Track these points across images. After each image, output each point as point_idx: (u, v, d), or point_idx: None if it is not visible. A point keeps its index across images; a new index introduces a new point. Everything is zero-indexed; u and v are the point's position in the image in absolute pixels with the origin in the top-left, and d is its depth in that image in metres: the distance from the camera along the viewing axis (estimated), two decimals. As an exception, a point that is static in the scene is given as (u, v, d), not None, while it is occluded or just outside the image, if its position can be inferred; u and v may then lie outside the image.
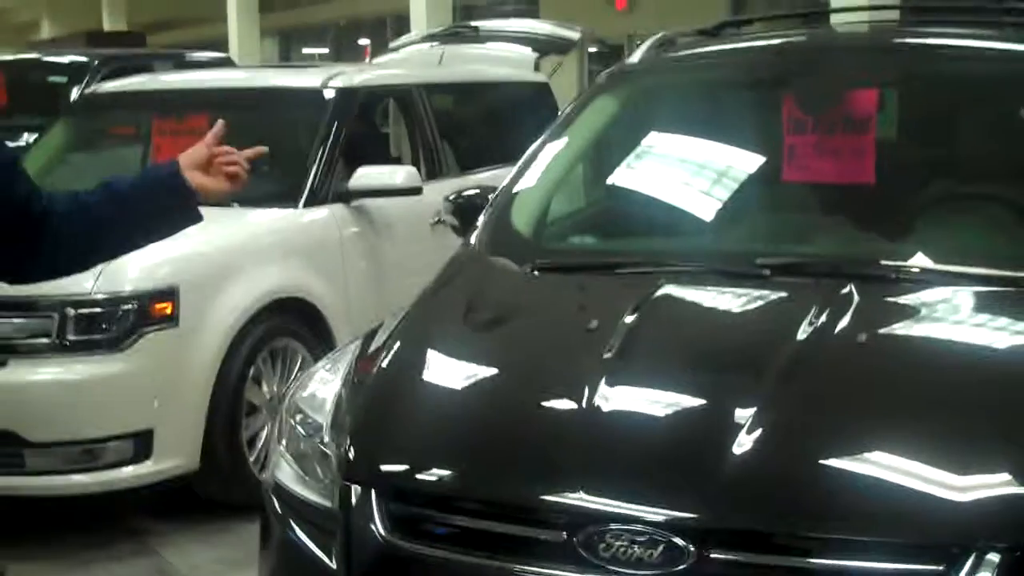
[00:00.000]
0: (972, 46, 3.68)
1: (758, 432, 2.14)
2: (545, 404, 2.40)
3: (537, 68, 7.83)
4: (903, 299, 2.68)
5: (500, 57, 7.84)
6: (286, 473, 2.55)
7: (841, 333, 2.45)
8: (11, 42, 32.38)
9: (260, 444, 4.64)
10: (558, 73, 8.58)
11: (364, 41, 26.30)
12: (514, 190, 3.53)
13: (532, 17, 20.33)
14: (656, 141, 3.71)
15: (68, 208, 2.26)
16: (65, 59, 10.12)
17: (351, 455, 2.37)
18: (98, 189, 2.34)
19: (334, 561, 2.31)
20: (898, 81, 3.64)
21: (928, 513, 2.05)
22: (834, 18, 6.61)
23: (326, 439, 2.48)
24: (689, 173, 3.58)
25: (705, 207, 3.41)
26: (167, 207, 2.39)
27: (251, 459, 4.59)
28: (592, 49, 15.58)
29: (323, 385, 2.71)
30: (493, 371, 2.64)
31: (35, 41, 26.10)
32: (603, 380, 2.34)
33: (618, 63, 4.10)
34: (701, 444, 2.18)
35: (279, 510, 2.52)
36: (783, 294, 2.75)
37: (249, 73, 7.12)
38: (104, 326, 4.17)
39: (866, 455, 2.14)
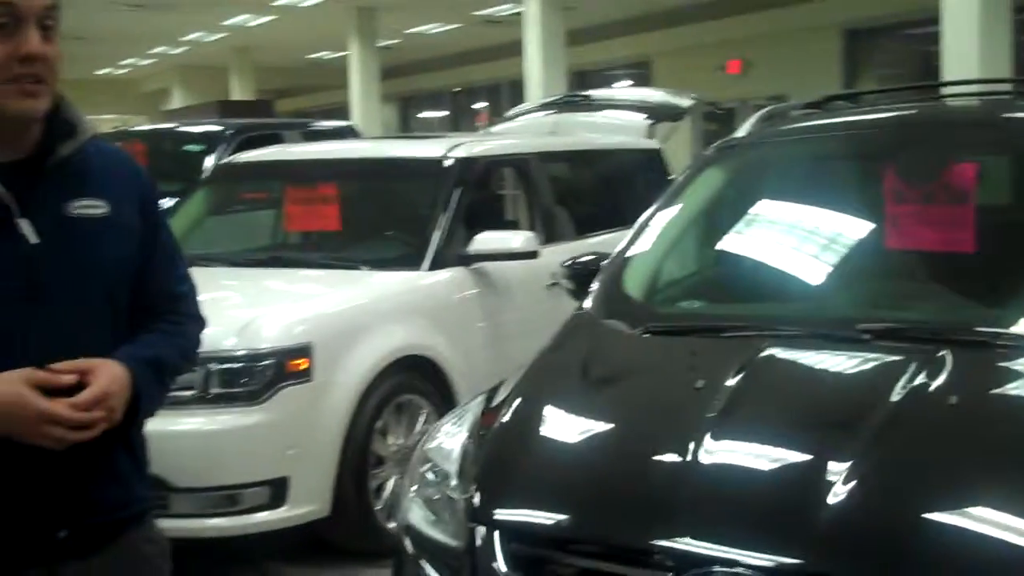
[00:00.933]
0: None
1: (853, 484, 2.32)
2: (655, 456, 2.61)
3: (651, 135, 8.03)
4: (995, 364, 2.83)
5: (613, 125, 8.01)
6: (417, 516, 2.79)
7: (933, 394, 2.62)
8: (143, 110, 33.78)
9: (386, 494, 4.87)
10: (672, 140, 8.78)
11: (480, 105, 26.89)
12: (626, 256, 3.76)
13: (645, 82, 20.70)
14: (762, 211, 3.91)
15: None
16: (200, 129, 10.67)
17: (476, 500, 2.60)
18: None
19: (461, 595, 2.54)
20: (997, 154, 3.78)
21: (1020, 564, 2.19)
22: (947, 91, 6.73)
23: (453, 485, 2.73)
24: (794, 241, 3.77)
25: (809, 274, 3.60)
26: None
27: (377, 508, 4.82)
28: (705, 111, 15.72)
29: (449, 437, 2.96)
30: (606, 425, 2.86)
31: (170, 110, 27.18)
32: (708, 435, 2.54)
33: (725, 138, 4.31)
34: (797, 495, 2.36)
35: (411, 550, 2.76)
36: (881, 358, 2.92)
37: (375, 144, 7.43)
38: (244, 380, 4.44)
39: (954, 508, 2.29)
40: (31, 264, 1.97)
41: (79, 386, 1.93)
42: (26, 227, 1.96)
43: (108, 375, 1.96)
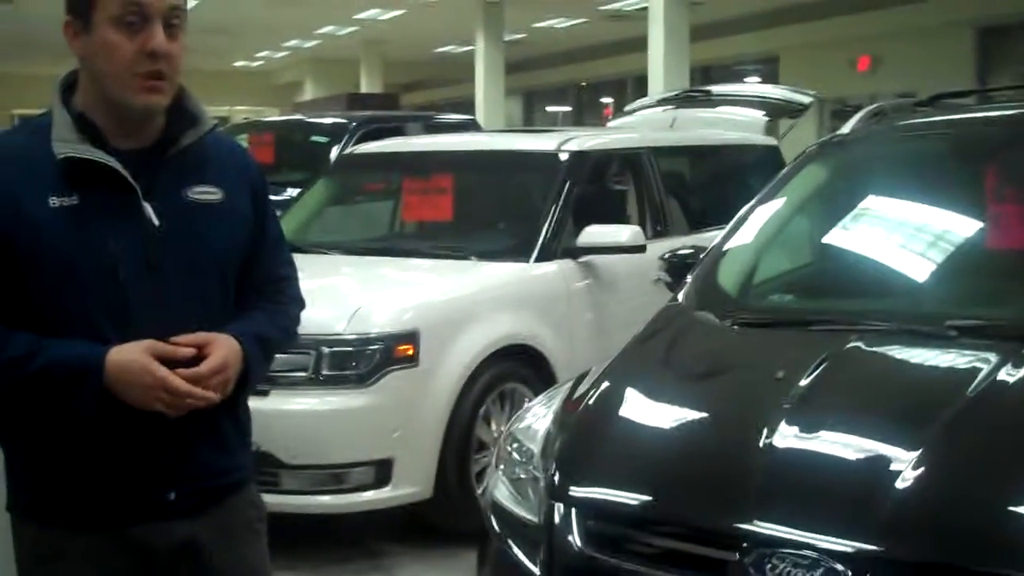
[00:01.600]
0: None
1: (922, 472, 2.37)
2: (731, 442, 2.69)
3: (770, 131, 8.01)
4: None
5: (731, 120, 8.00)
6: (502, 493, 2.92)
7: (1010, 389, 2.64)
8: (276, 102, 34.61)
9: (487, 479, 5.00)
10: (796, 135, 8.72)
11: (606, 100, 26.90)
12: (723, 250, 3.82)
13: (771, 78, 20.47)
14: (861, 208, 3.92)
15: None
16: (326, 121, 10.95)
17: (556, 478, 2.72)
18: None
19: (539, 568, 2.65)
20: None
21: None
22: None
23: (536, 464, 2.84)
24: (890, 239, 3.79)
25: (903, 271, 3.61)
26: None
27: (479, 492, 4.95)
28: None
29: (537, 419, 3.08)
30: (686, 412, 2.95)
31: (300, 102, 27.82)
32: (783, 422, 2.61)
33: (829, 134, 4.32)
34: (869, 482, 2.42)
35: (496, 525, 2.89)
36: (964, 353, 2.94)
37: (490, 137, 7.56)
38: (353, 363, 4.60)
39: (1018, 494, 2.33)
40: (153, 244, 2.11)
41: (196, 359, 2.08)
42: (150, 210, 2.12)
43: (225, 348, 2.12)
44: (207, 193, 2.19)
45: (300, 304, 2.42)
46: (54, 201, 2.07)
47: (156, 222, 2.12)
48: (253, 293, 2.31)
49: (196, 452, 2.19)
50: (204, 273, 2.19)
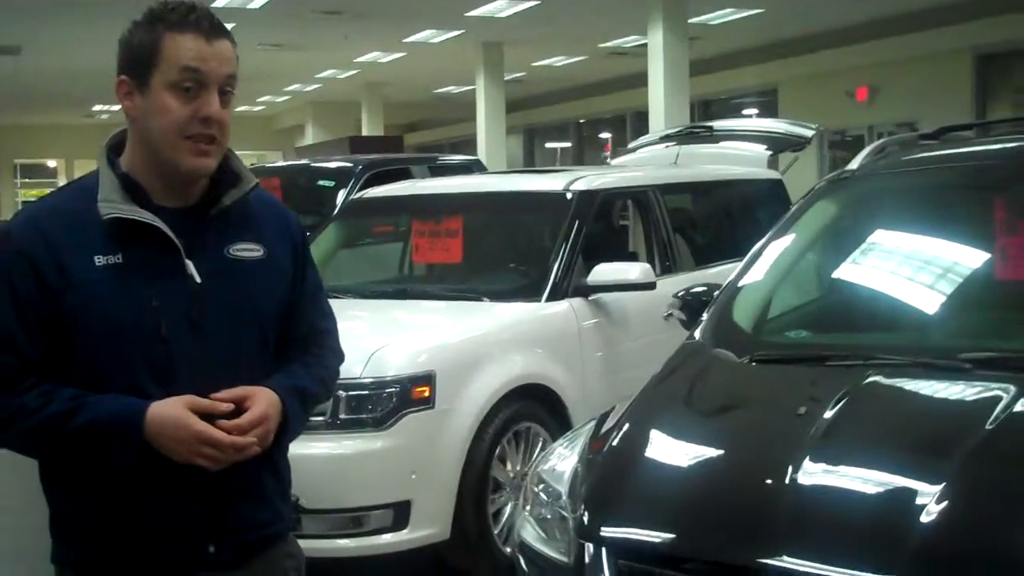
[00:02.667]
0: None
1: (945, 506, 2.41)
2: (756, 478, 2.72)
3: (773, 165, 8.06)
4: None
5: (734, 155, 8.04)
6: (530, 534, 2.95)
7: (1027, 420, 2.68)
8: (278, 146, 34.78)
9: (504, 519, 5.02)
10: (797, 167, 8.79)
11: (605, 135, 27.05)
12: (737, 287, 3.87)
13: (771, 110, 20.61)
14: (871, 243, 3.97)
15: None
16: (332, 165, 11.02)
17: (585, 518, 2.75)
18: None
19: (569, 607, 2.69)
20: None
21: None
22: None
23: (564, 504, 2.88)
24: (902, 273, 3.84)
25: (916, 305, 3.66)
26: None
27: (496, 532, 4.98)
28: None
29: (562, 460, 3.12)
30: (711, 449, 2.98)
31: (302, 147, 27.96)
32: (808, 458, 2.65)
33: (838, 170, 4.38)
34: (892, 516, 2.45)
35: (524, 566, 2.92)
36: (980, 386, 2.98)
37: (498, 178, 7.61)
38: (371, 407, 4.63)
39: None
40: (195, 301, 2.17)
41: (235, 413, 2.13)
42: (192, 267, 2.17)
43: (264, 401, 2.16)
44: (248, 250, 2.25)
45: (339, 356, 2.47)
46: (99, 260, 2.12)
47: (198, 279, 2.17)
48: (293, 346, 2.35)
49: (237, 506, 2.22)
50: (245, 328, 2.24)
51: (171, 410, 2.09)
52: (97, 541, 2.18)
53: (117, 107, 2.34)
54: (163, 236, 2.15)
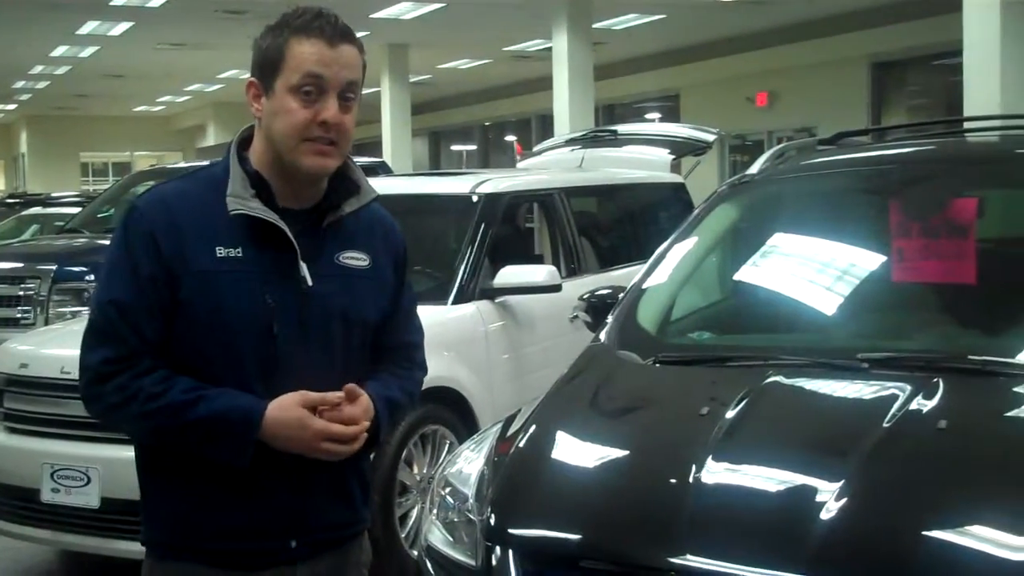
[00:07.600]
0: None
1: (844, 503, 2.46)
2: (661, 478, 2.75)
3: (676, 169, 8.18)
4: (986, 390, 2.96)
5: (638, 159, 8.16)
6: (437, 537, 2.95)
7: (923, 418, 2.75)
8: (178, 146, 34.30)
9: (411, 522, 5.02)
10: (699, 171, 8.92)
11: (511, 138, 27.18)
12: (641, 289, 3.91)
13: (673, 115, 20.88)
14: (771, 246, 4.05)
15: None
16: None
17: (492, 521, 2.76)
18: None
19: (477, 611, 2.69)
20: (996, 188, 3.91)
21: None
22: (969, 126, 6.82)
23: (471, 507, 2.88)
24: (802, 275, 3.91)
25: (816, 306, 3.73)
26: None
27: (403, 536, 4.98)
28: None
29: (468, 463, 3.12)
30: (616, 450, 3.01)
31: (204, 147, 27.60)
32: (710, 457, 2.68)
33: (738, 175, 4.46)
34: (793, 514, 2.50)
35: (431, 570, 2.91)
36: (878, 385, 3.05)
37: (404, 181, 7.64)
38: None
39: (939, 523, 2.42)
40: (304, 303, 2.23)
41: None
42: (305, 270, 2.23)
43: (364, 402, 2.23)
44: (356, 259, 2.32)
45: (424, 371, 2.56)
46: (220, 251, 2.17)
47: (309, 282, 2.23)
48: (384, 355, 2.43)
49: (323, 505, 2.30)
50: (347, 333, 2.30)
51: (289, 412, 2.15)
52: (186, 527, 2.23)
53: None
54: (283, 237, 2.20)
